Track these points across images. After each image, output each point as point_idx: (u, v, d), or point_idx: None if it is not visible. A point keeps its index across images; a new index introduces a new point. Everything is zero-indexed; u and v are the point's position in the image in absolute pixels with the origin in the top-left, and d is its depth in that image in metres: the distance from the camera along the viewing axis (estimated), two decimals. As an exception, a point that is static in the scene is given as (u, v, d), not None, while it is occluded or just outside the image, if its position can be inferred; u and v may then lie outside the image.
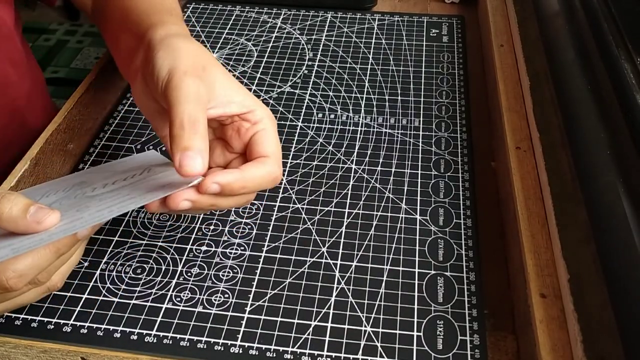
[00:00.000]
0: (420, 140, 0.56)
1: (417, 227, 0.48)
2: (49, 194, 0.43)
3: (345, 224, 0.48)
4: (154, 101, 0.42)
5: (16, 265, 0.36)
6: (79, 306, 0.43)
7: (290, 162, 0.54)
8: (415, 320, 0.42)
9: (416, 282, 0.44)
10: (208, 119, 0.39)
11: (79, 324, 0.42)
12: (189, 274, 0.45)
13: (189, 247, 0.47)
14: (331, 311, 0.42)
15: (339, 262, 0.45)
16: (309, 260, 0.46)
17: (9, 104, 0.62)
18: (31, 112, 0.66)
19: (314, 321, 0.42)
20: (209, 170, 0.38)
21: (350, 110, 0.59)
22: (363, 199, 0.50)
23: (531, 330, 0.38)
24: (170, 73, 0.39)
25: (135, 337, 0.41)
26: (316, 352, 0.40)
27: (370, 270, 0.45)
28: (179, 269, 0.45)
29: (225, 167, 0.42)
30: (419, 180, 0.52)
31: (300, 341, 0.41)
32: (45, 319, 0.42)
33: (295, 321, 0.42)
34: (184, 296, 0.43)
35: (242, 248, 0.46)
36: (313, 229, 0.48)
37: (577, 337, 0.35)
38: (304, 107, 0.60)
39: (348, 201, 0.50)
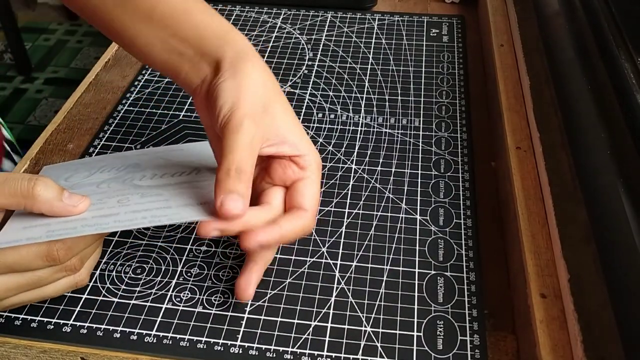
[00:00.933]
0: (420, 140, 0.56)
1: (417, 227, 0.48)
2: (103, 169, 0.46)
3: (345, 224, 0.48)
4: (211, 118, 0.42)
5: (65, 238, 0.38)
6: (79, 306, 0.43)
7: (290, 162, 0.54)
8: (415, 320, 0.42)
9: (416, 282, 0.44)
10: (261, 155, 0.41)
11: (78, 324, 0.42)
12: (189, 274, 0.45)
13: (189, 247, 0.47)
14: (331, 311, 0.42)
15: (339, 262, 0.45)
16: (309, 260, 0.46)
17: None
18: None
19: (314, 321, 0.42)
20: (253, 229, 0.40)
21: (350, 110, 0.59)
22: (363, 199, 0.50)
23: (531, 330, 0.38)
24: (232, 112, 0.40)
25: (135, 337, 0.41)
26: (316, 352, 0.40)
27: (370, 270, 0.45)
28: (179, 269, 0.45)
29: (259, 196, 0.43)
30: (419, 180, 0.52)
31: (300, 341, 0.41)
32: (45, 319, 0.42)
33: (295, 321, 0.42)
34: (183, 296, 0.43)
35: (242, 248, 0.46)
36: (313, 229, 0.48)
37: (577, 337, 0.35)
38: (304, 107, 0.60)
39: (348, 201, 0.50)
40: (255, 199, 0.42)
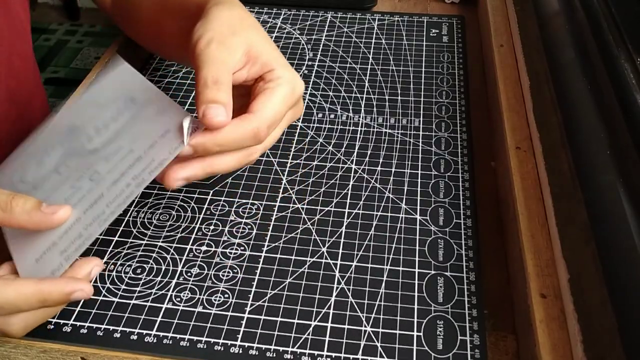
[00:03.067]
0: (420, 140, 0.56)
1: (417, 227, 0.48)
2: (47, 149, 0.42)
3: (345, 224, 0.48)
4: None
5: None
6: (79, 306, 0.43)
7: (290, 162, 0.54)
8: (415, 320, 0.42)
9: (416, 282, 0.44)
10: (236, 83, 0.40)
11: (79, 324, 0.42)
12: (189, 274, 0.45)
13: (189, 247, 0.47)
14: (331, 311, 0.42)
15: (339, 262, 0.45)
16: (309, 260, 0.46)
17: (11, 96, 0.63)
18: (30, 108, 0.67)
19: (314, 321, 0.42)
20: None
21: (350, 110, 0.59)
22: (363, 199, 0.50)
23: (531, 330, 0.38)
24: (198, 39, 0.40)
25: (135, 337, 0.41)
26: (316, 352, 0.40)
27: (370, 270, 0.45)
28: (179, 269, 0.45)
29: None
30: (419, 180, 0.52)
31: (300, 341, 0.41)
32: (45, 319, 0.42)
33: (295, 321, 0.42)
34: (184, 296, 0.43)
35: (242, 248, 0.46)
36: (313, 229, 0.48)
37: (577, 337, 0.35)
38: (304, 107, 0.60)
39: (348, 201, 0.50)
40: None
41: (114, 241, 0.47)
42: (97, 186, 0.38)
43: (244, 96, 0.42)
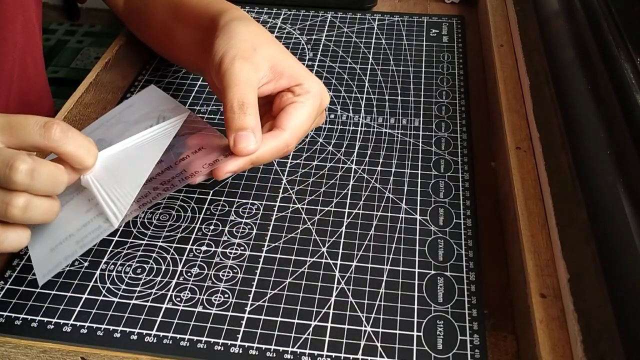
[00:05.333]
0: (420, 140, 0.56)
1: (417, 227, 0.48)
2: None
3: (345, 224, 0.48)
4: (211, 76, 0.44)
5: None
6: (79, 306, 0.43)
7: (290, 162, 0.54)
8: (415, 320, 0.42)
9: (416, 282, 0.44)
10: (261, 96, 0.41)
11: (79, 324, 0.42)
12: (189, 274, 0.45)
13: (189, 247, 0.47)
14: (331, 311, 0.42)
15: (339, 262, 0.45)
16: (309, 260, 0.46)
17: (22, 98, 0.63)
18: (39, 109, 0.67)
19: (314, 321, 0.42)
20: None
21: (350, 110, 0.59)
22: (363, 199, 0.50)
23: (531, 330, 0.38)
24: (222, 58, 0.41)
25: (135, 337, 0.41)
26: (316, 352, 0.40)
27: (370, 270, 0.45)
28: (179, 269, 0.45)
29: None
30: (419, 180, 0.52)
31: (300, 341, 0.41)
32: (45, 319, 0.42)
33: (295, 321, 0.42)
34: (184, 296, 0.43)
35: (242, 248, 0.46)
36: (313, 229, 0.48)
37: (577, 337, 0.35)
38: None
39: (348, 201, 0.50)
40: None
41: (114, 241, 0.47)
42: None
43: (266, 105, 0.44)
